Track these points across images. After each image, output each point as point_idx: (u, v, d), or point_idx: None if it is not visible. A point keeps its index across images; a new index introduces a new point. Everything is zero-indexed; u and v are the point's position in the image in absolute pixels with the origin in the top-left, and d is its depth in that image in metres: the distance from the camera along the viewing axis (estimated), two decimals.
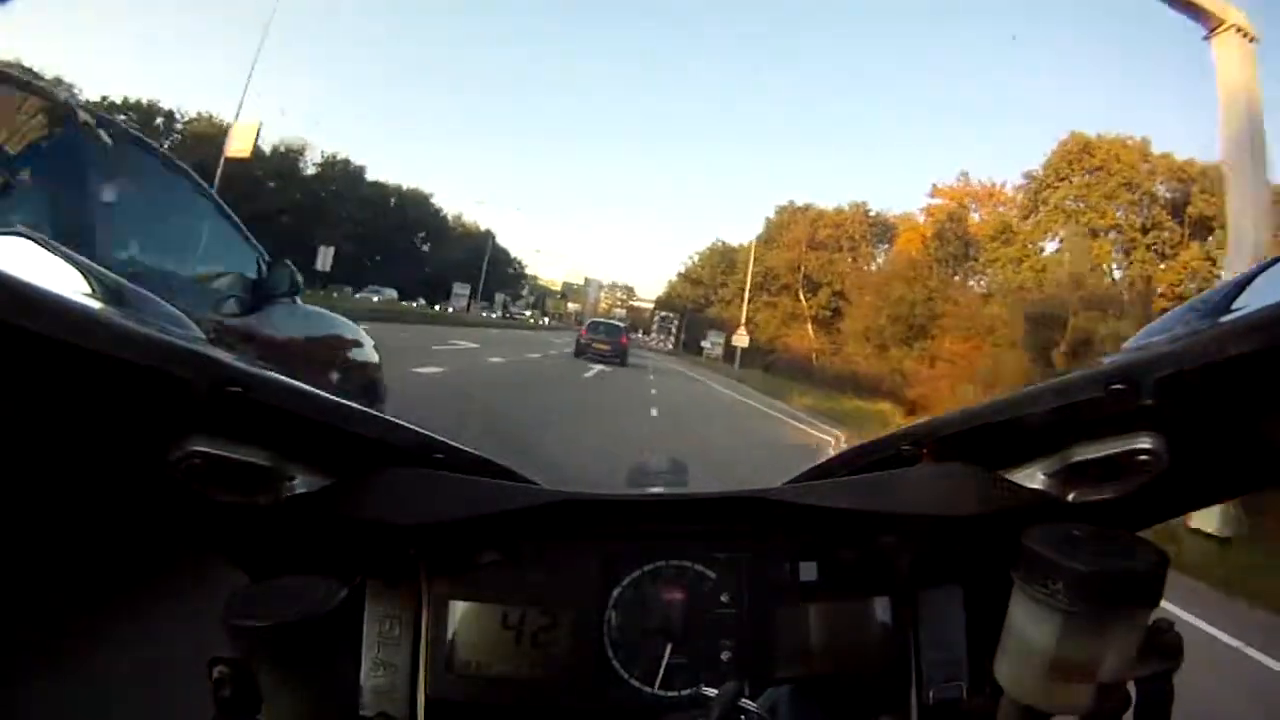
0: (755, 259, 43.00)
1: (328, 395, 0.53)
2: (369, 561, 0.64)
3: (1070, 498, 0.55)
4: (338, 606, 0.50)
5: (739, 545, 0.68)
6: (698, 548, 0.68)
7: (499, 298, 53.97)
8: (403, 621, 0.68)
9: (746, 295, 38.07)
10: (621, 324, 28.42)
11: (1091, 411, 0.50)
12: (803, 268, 40.25)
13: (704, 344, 43.66)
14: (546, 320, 75.60)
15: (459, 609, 0.66)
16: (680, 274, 57.77)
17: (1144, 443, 0.50)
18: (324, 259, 24.67)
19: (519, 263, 74.49)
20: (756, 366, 33.10)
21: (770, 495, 0.66)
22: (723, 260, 51.60)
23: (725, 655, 0.65)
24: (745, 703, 0.54)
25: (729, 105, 78.72)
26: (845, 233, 40.27)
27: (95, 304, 0.48)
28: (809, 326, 40.39)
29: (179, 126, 38.23)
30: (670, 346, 49.49)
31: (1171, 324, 0.52)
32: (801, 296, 40.74)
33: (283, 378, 0.52)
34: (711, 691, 0.55)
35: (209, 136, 34.19)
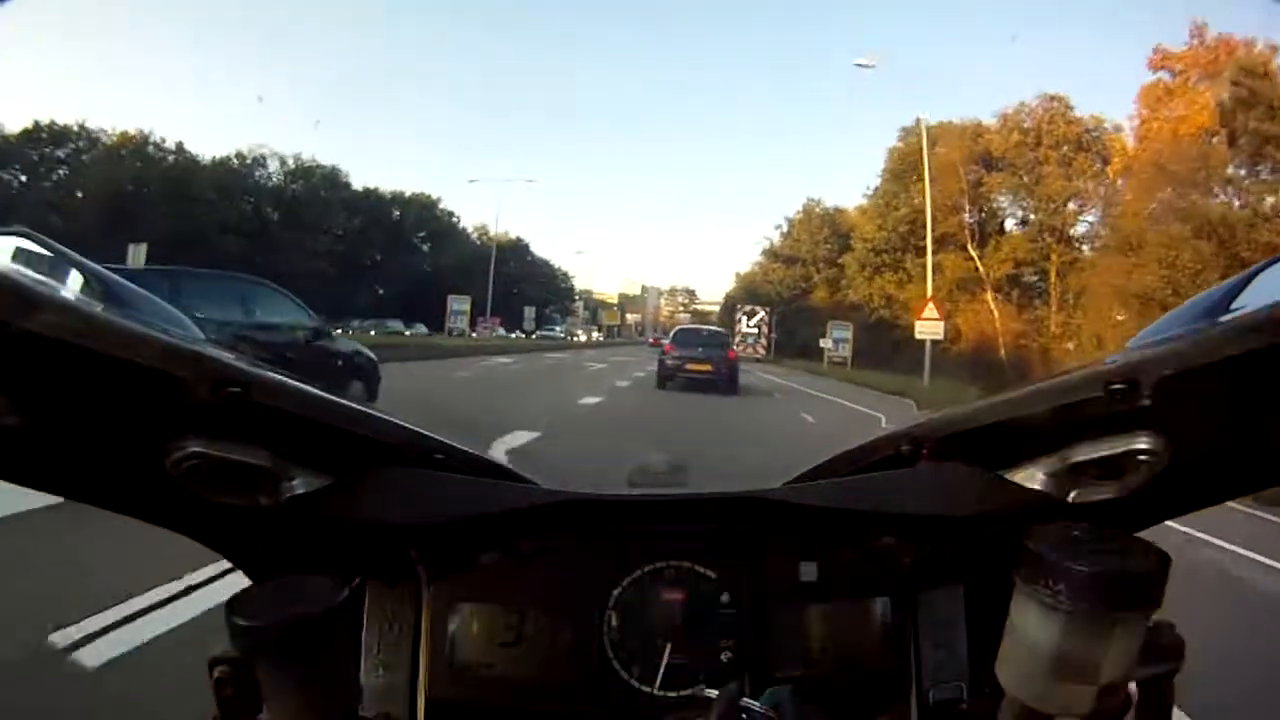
0: (883, 209, 26.07)
1: (327, 395, 0.59)
2: (369, 562, 0.72)
3: (1070, 498, 0.59)
4: (340, 605, 0.53)
5: (739, 546, 0.74)
6: (698, 548, 0.74)
7: (528, 312, 46.21)
8: (403, 622, 0.74)
9: (930, 234, 20.98)
10: (721, 329, 20.77)
11: (1091, 411, 0.51)
12: (968, 205, 22.96)
13: (824, 343, 32.05)
14: (598, 335, 59.34)
15: (459, 609, 0.73)
16: (766, 251, 41.05)
17: (1144, 443, 0.52)
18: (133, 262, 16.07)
19: (564, 275, 65.39)
20: (902, 368, 22.60)
21: (770, 496, 0.72)
22: (825, 227, 34.42)
23: (725, 656, 0.71)
24: (747, 702, 0.58)
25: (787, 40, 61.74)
26: (1043, 137, 22.54)
27: (95, 304, 0.52)
28: (989, 297, 22.68)
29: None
30: (761, 352, 39.14)
31: (1171, 324, 0.54)
32: (973, 249, 23.14)
33: (282, 378, 0.56)
34: (712, 692, 0.60)
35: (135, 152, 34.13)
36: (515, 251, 58.40)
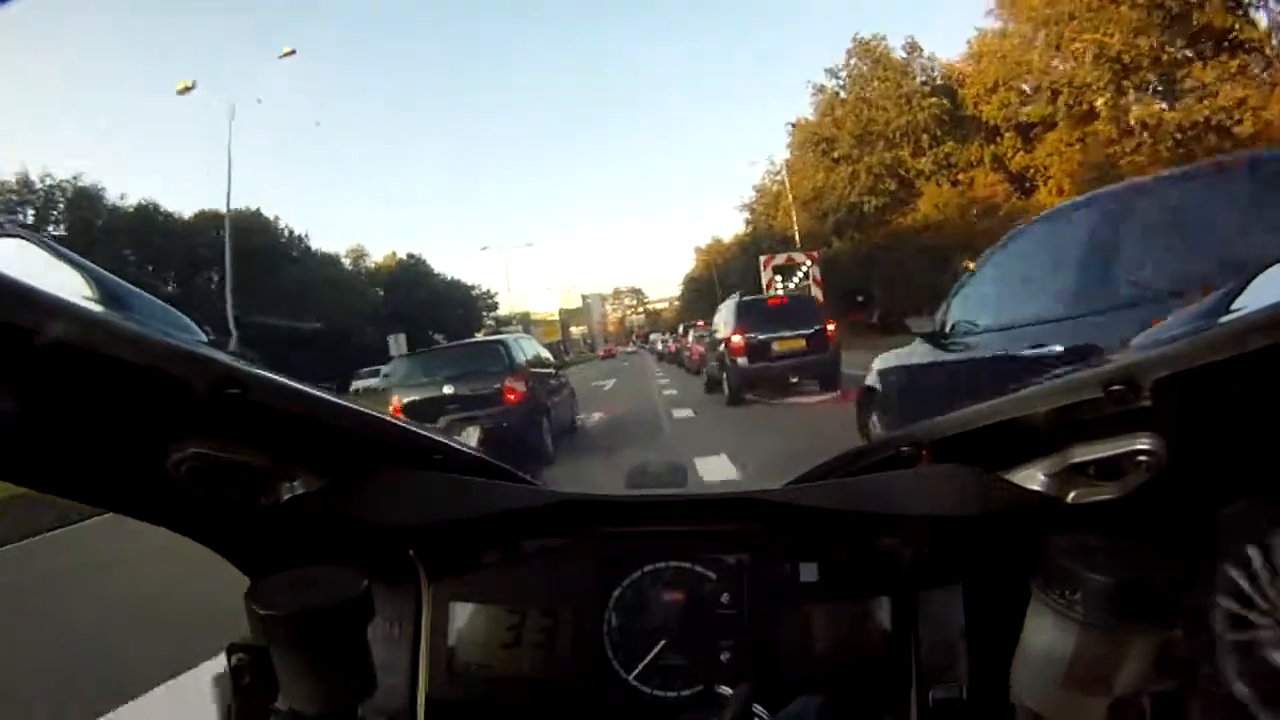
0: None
1: (327, 396, 0.60)
2: (369, 562, 0.70)
3: (1070, 499, 0.58)
4: (358, 595, 0.53)
5: (739, 546, 0.74)
6: (698, 549, 0.74)
7: (394, 343, 23.55)
8: (403, 622, 0.74)
9: None
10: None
11: (1091, 412, 0.50)
12: None
13: None
14: None
15: (459, 609, 0.73)
16: (803, 129, 22.29)
17: (1143, 443, 0.52)
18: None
19: (486, 294, 54.81)
20: None
21: (770, 497, 0.72)
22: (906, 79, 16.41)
23: (725, 656, 0.70)
24: (757, 708, 0.58)
25: None
26: None
27: (95, 305, 0.53)
28: None
29: None
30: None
31: (1172, 326, 0.54)
32: None
33: (282, 379, 0.56)
34: (727, 690, 0.60)
35: None
36: (406, 273, 41.65)
